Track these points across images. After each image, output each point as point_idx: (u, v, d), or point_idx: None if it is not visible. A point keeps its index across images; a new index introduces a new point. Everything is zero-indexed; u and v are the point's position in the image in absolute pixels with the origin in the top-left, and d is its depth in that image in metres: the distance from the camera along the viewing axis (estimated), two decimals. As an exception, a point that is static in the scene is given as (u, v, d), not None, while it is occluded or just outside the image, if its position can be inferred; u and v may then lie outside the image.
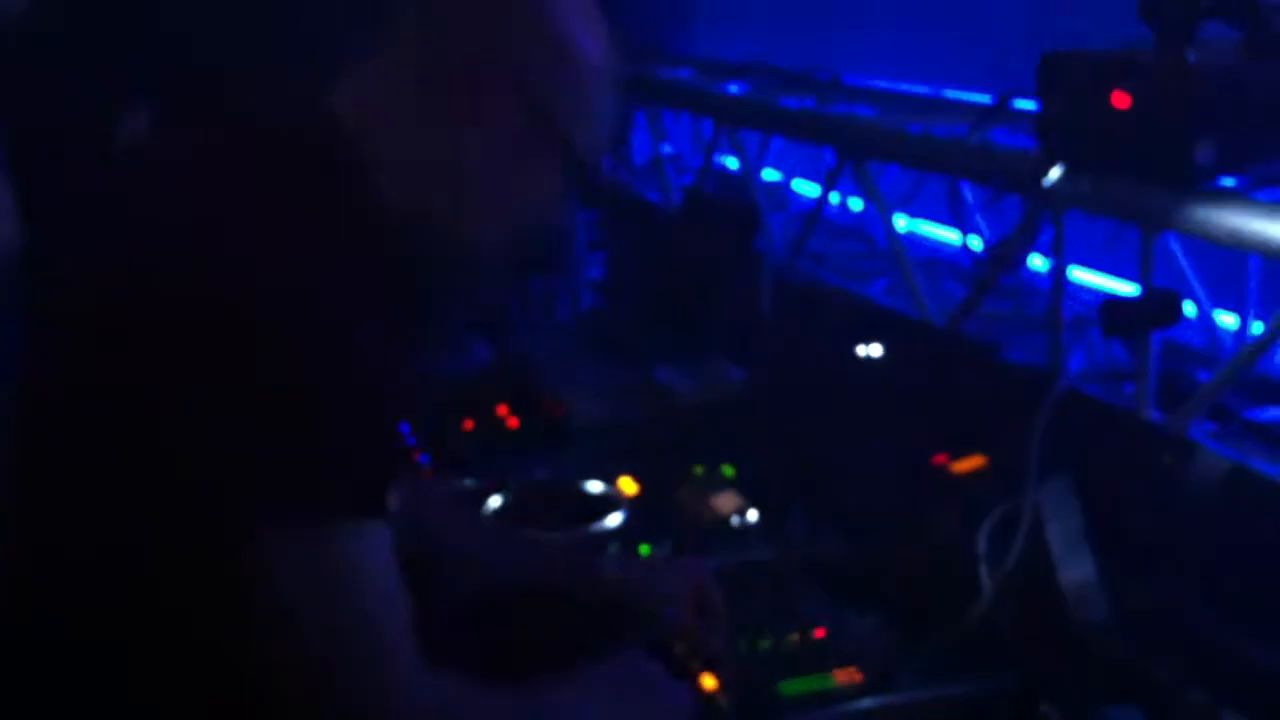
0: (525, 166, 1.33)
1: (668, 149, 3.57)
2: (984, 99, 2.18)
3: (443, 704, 1.24)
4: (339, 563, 1.15)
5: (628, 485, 2.16)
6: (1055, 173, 1.74)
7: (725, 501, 2.09)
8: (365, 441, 1.17)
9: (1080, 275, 2.28)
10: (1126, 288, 2.21)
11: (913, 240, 2.77)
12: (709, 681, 1.61)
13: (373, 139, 1.29)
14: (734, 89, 3.07)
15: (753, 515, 2.03)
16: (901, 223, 2.59)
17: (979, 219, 2.57)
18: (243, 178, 1.22)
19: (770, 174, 3.33)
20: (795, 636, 1.70)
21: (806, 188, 3.40)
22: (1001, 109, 2.08)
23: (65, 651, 1.19)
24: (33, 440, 1.23)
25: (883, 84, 2.67)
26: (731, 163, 3.25)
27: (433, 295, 1.43)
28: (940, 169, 2.31)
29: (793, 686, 1.59)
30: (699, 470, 2.22)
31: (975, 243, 2.54)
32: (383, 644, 1.18)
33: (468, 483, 2.17)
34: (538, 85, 1.30)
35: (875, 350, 2.23)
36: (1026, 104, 1.98)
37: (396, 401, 1.23)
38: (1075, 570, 1.67)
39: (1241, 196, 1.55)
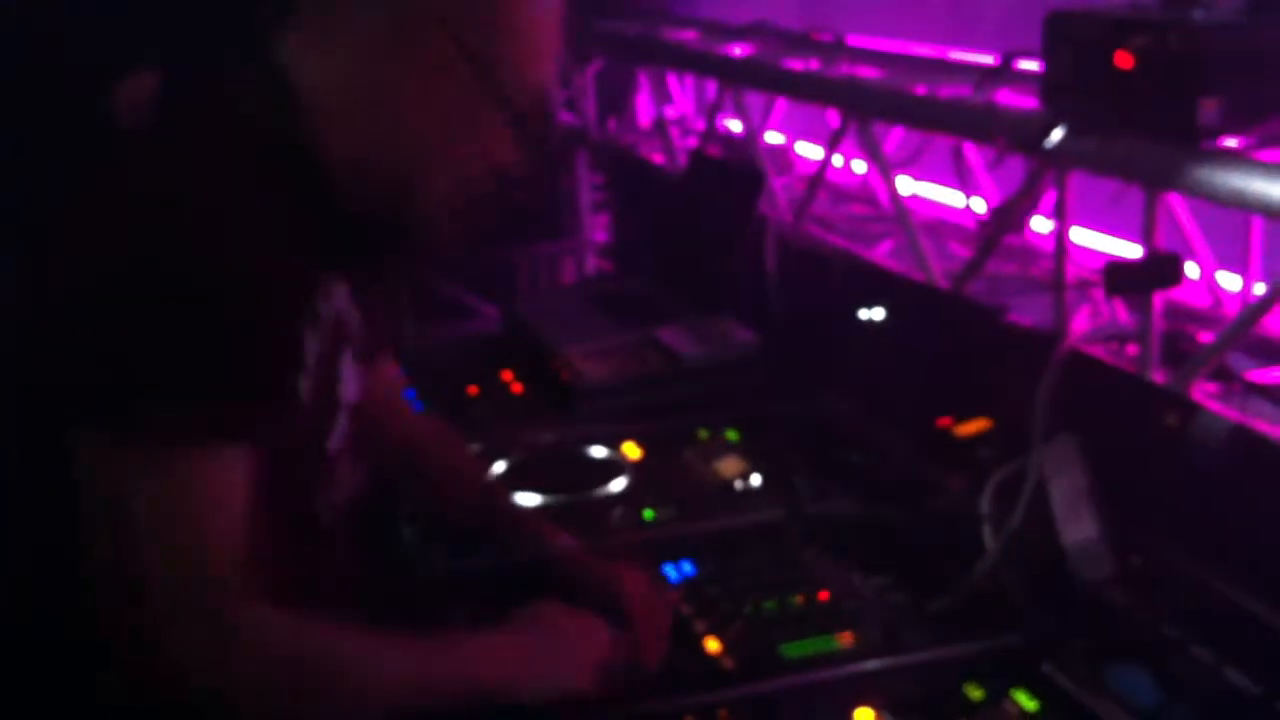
0: (467, 117, 1.31)
1: (672, 112, 3.56)
2: (988, 59, 2.17)
3: (297, 653, 1.22)
4: (183, 481, 1.15)
5: (631, 450, 2.16)
6: (1058, 133, 1.73)
7: (729, 465, 2.10)
8: (229, 360, 1.16)
9: (1083, 237, 2.27)
10: (1130, 249, 2.20)
11: (917, 203, 2.76)
12: (712, 644, 1.61)
13: (314, 92, 1.28)
14: (737, 51, 3.06)
15: (756, 479, 2.04)
16: (905, 185, 2.58)
17: (983, 181, 2.56)
18: (180, 132, 1.25)
19: (774, 137, 3.32)
20: (799, 599, 1.70)
21: (811, 150, 3.39)
22: (1005, 69, 2.07)
23: None
24: None
25: (886, 45, 2.66)
26: (735, 125, 3.25)
27: (385, 250, 1.44)
28: (944, 130, 2.30)
29: (796, 648, 1.60)
30: (703, 434, 2.22)
31: (979, 205, 2.53)
32: (216, 572, 1.16)
33: (473, 448, 2.17)
34: (475, 33, 1.28)
35: (879, 313, 2.23)
36: (1031, 64, 1.97)
37: (277, 330, 1.22)
38: (1079, 530, 1.67)
39: (1245, 157, 1.55)
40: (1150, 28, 1.58)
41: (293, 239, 1.23)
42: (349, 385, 1.41)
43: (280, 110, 1.27)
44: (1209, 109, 1.54)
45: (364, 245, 1.38)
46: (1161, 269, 1.71)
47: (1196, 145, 1.58)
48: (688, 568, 1.80)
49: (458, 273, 3.23)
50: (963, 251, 2.46)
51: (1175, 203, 1.97)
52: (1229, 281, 2.06)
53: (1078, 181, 1.92)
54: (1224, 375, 1.78)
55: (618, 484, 2.02)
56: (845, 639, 1.62)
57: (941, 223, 2.68)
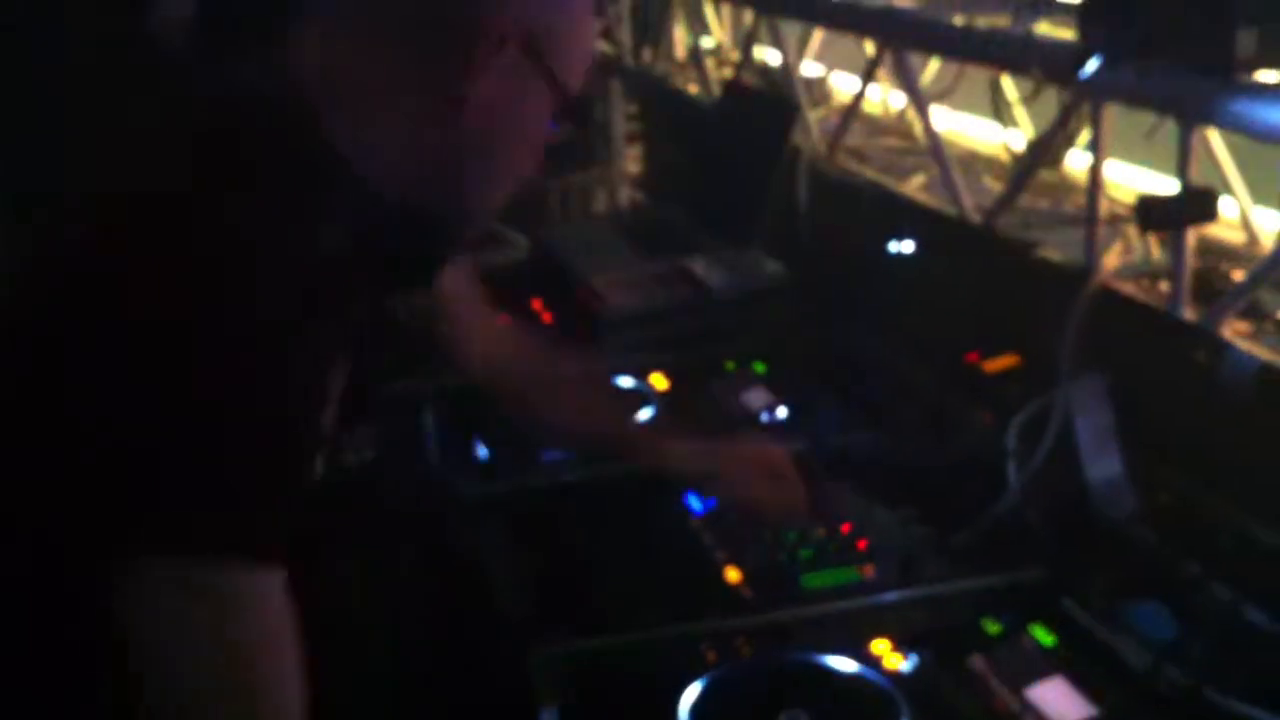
0: (521, 113, 1.15)
1: (707, 42, 3.53)
2: (1026, -10, 2.13)
3: None
4: (218, 608, 0.97)
5: (659, 381, 2.16)
6: (1093, 64, 1.70)
7: (756, 397, 2.09)
8: (270, 471, 0.99)
9: (1119, 171, 2.24)
10: (1165, 185, 2.18)
11: (952, 136, 2.73)
12: (733, 574, 1.62)
13: (338, 103, 1.10)
14: (774, -20, 3.02)
15: (782, 412, 2.03)
16: (941, 118, 2.55)
17: (1018, 114, 2.53)
18: (184, 155, 1.06)
19: (811, 68, 3.28)
20: (821, 530, 1.71)
21: (848, 83, 3.35)
22: (1044, 0, 2.04)
23: None
24: None
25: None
26: (772, 57, 3.21)
27: (424, 254, 1.26)
28: (980, 61, 2.27)
29: (816, 579, 1.61)
30: (730, 366, 2.22)
31: (1016, 138, 2.50)
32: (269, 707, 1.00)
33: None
34: (522, 15, 1.11)
35: (909, 246, 2.21)
36: (1069, -4, 1.94)
37: (310, 432, 1.04)
38: (1103, 467, 1.67)
39: (1283, 90, 1.52)
40: (1189, -42, 1.55)
41: (331, 308, 1.07)
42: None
43: (295, 123, 1.09)
44: (1246, 41, 1.51)
45: (404, 256, 1.22)
46: (1196, 205, 1.68)
47: (1233, 78, 1.55)
48: (710, 498, 1.80)
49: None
50: (997, 186, 2.44)
51: (1212, 137, 1.94)
52: (1265, 219, 2.03)
53: (1114, 116, 1.89)
54: (1255, 314, 1.76)
55: (644, 414, 2.02)
56: (865, 571, 1.62)
57: (976, 156, 2.65)
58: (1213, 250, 1.98)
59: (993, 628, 1.48)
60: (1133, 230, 1.98)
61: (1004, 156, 2.55)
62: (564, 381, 1.76)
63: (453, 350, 1.66)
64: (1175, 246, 1.74)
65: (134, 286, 0.97)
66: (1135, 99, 1.73)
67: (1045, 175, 2.36)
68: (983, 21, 2.20)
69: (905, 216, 2.27)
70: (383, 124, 1.11)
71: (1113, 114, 1.83)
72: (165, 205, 1.01)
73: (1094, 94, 1.82)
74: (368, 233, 1.12)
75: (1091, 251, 1.88)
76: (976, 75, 2.51)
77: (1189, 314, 1.73)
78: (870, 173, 2.61)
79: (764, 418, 2.03)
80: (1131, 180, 2.25)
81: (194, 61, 1.14)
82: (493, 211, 1.23)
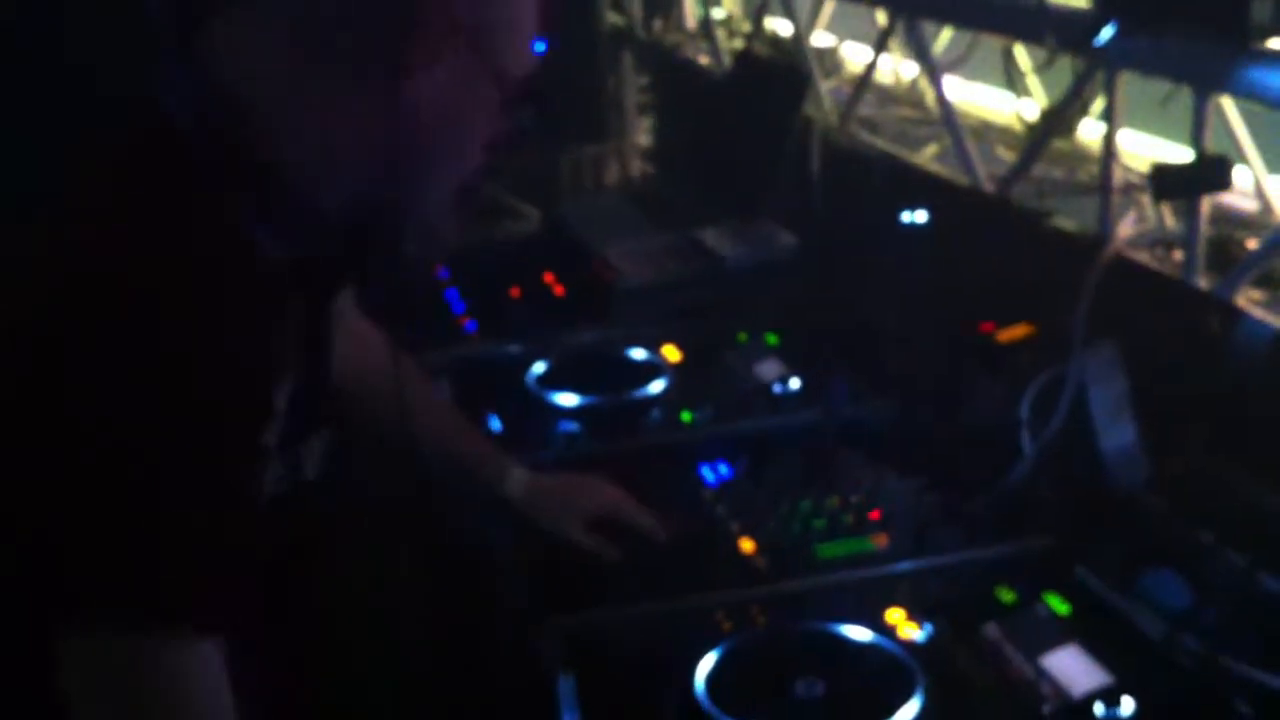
0: (464, 109, 1.10)
1: (719, 12, 3.51)
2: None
3: None
4: (154, 684, 0.94)
5: (671, 353, 2.16)
6: (1107, 32, 1.69)
7: (769, 369, 2.10)
8: (207, 539, 0.95)
9: (1133, 140, 2.23)
10: (1179, 154, 2.17)
11: (965, 106, 2.72)
12: (747, 544, 1.63)
13: (266, 105, 1.04)
14: (786, -51, 3.00)
15: (795, 383, 2.03)
16: (954, 88, 2.54)
17: (1032, 83, 2.52)
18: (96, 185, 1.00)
19: (822, 38, 3.27)
20: (835, 501, 1.71)
21: (860, 53, 3.34)
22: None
23: None
24: None
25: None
26: (783, 27, 3.20)
27: (370, 263, 1.21)
28: (992, 29, 2.26)
29: (830, 549, 1.61)
30: (743, 337, 2.22)
31: (1029, 108, 2.49)
32: None
33: (513, 349, 2.18)
34: (458, 6, 1.06)
35: (922, 216, 2.21)
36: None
37: (249, 500, 1.01)
38: (1117, 436, 1.66)
39: (1298, 57, 1.51)
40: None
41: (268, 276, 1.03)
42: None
43: (222, 125, 1.03)
44: (1262, 8, 1.50)
45: (345, 259, 1.17)
46: (1210, 173, 1.67)
47: (1248, 45, 1.54)
48: (724, 469, 1.80)
49: (500, 174, 3.22)
50: (1010, 156, 2.43)
51: (1226, 106, 1.93)
52: (1280, 187, 2.02)
53: (1127, 84, 1.88)
54: (1271, 282, 1.76)
55: (657, 386, 2.03)
56: (879, 540, 1.63)
57: (989, 126, 2.64)
58: (1227, 219, 1.98)
59: (1007, 596, 1.49)
60: (1147, 199, 1.98)
61: (1017, 126, 2.54)
62: (426, 398, 1.71)
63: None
64: (1189, 215, 1.74)
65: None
66: (1149, 67, 1.73)
67: (1059, 144, 2.35)
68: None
69: (918, 187, 2.26)
70: (315, 125, 1.05)
71: (1126, 82, 1.83)
72: (79, 216, 0.98)
73: (1108, 62, 1.81)
74: (304, 237, 1.07)
75: (1105, 220, 1.87)
76: (989, 44, 2.50)
77: (1203, 283, 1.73)
78: (883, 143, 2.60)
79: (777, 389, 2.03)
80: (1146, 149, 2.24)
81: (114, 64, 1.08)
82: (440, 209, 1.16)
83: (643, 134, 3.67)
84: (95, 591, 0.92)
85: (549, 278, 2.55)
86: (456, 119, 1.10)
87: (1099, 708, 1.30)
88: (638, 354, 2.14)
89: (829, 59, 3.22)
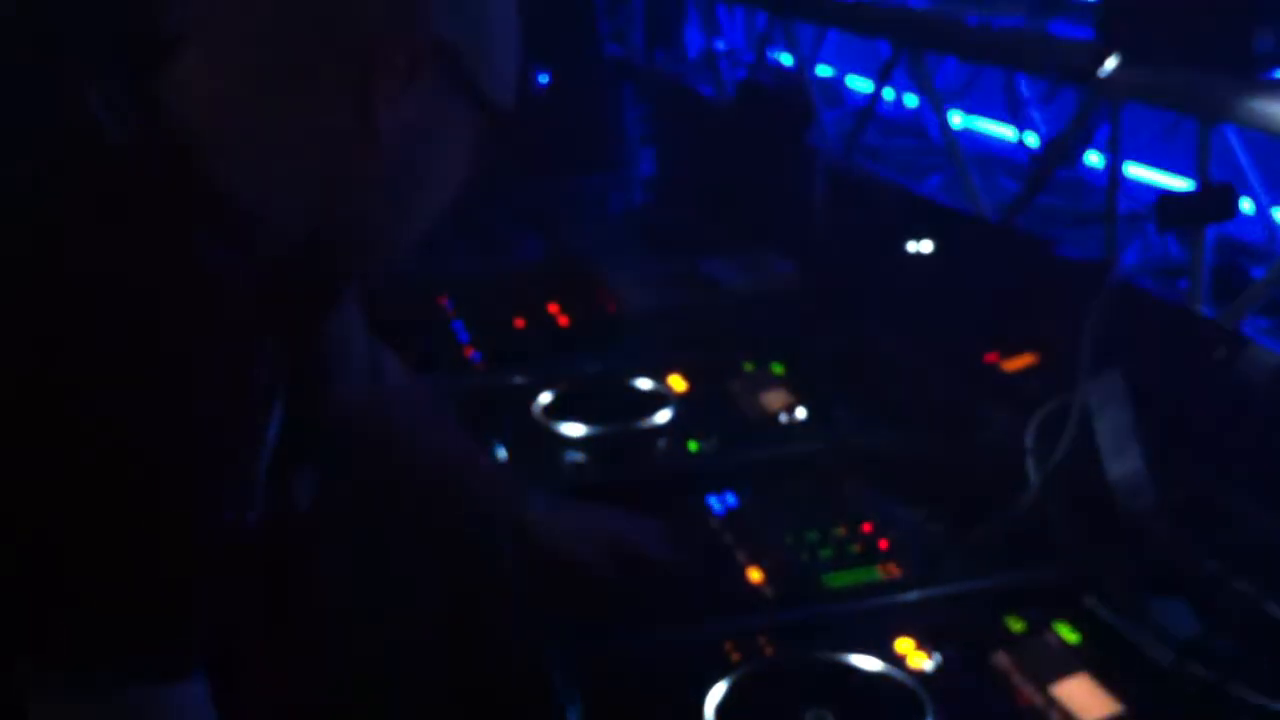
0: (442, 137, 1.05)
1: (721, 44, 3.53)
2: (1042, -11, 2.14)
3: None
4: None
5: (677, 382, 2.17)
6: (1111, 62, 1.70)
7: (775, 398, 2.10)
8: (178, 588, 0.92)
9: (1136, 170, 2.24)
10: (1183, 183, 2.18)
11: (968, 136, 2.74)
12: (754, 574, 1.62)
13: (224, 136, 0.99)
14: (788, -19, 3.02)
15: (801, 413, 2.03)
16: (957, 119, 2.56)
17: (1035, 114, 2.53)
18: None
19: (824, 70, 3.28)
20: (842, 530, 1.71)
21: (861, 84, 3.35)
22: (1059, -1, 2.05)
23: None
24: None
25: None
26: (786, 59, 3.21)
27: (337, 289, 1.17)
28: (995, 60, 2.27)
29: (838, 579, 1.61)
30: (749, 367, 2.22)
31: (1031, 138, 2.50)
32: None
33: (518, 379, 2.19)
34: (430, 32, 1.01)
35: (927, 245, 2.21)
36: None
37: (218, 536, 0.96)
38: (1123, 464, 1.66)
39: (1301, 87, 1.52)
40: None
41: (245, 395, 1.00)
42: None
43: (179, 156, 0.98)
44: (1264, 38, 1.51)
45: (298, 295, 1.12)
46: (1214, 202, 1.68)
47: (1252, 75, 1.55)
48: (731, 499, 1.80)
49: (504, 205, 3.23)
50: (1013, 186, 2.44)
51: (1230, 135, 1.94)
52: (1284, 216, 2.03)
53: (1131, 115, 1.89)
54: (1276, 310, 1.76)
55: (663, 415, 2.03)
56: (887, 570, 1.63)
57: (993, 157, 2.65)
58: (1231, 247, 1.98)
59: (1016, 625, 1.48)
60: (1151, 228, 1.98)
61: (1019, 156, 2.55)
62: (430, 424, 1.70)
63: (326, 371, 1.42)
64: (1194, 244, 1.74)
65: None
66: (1153, 97, 1.74)
67: (1063, 174, 2.36)
68: (999, 19, 2.20)
69: (923, 216, 2.27)
70: (279, 157, 1.00)
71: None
72: (30, 250, 0.92)
73: (1111, 93, 1.82)
74: (270, 269, 1.03)
75: (1110, 249, 1.88)
76: (994, 73, 2.52)
77: (1209, 311, 1.73)
78: (888, 172, 2.61)
79: (783, 418, 2.03)
80: (1149, 179, 2.25)
81: (67, 93, 1.00)
82: (415, 238, 1.11)
83: (646, 163, 3.68)
84: (72, 643, 0.89)
85: (553, 308, 2.56)
86: (431, 147, 1.05)
87: (1109, 737, 1.30)
88: (644, 384, 2.15)
89: (831, 90, 3.24)
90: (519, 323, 2.49)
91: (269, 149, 1.00)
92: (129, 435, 0.88)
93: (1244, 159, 1.99)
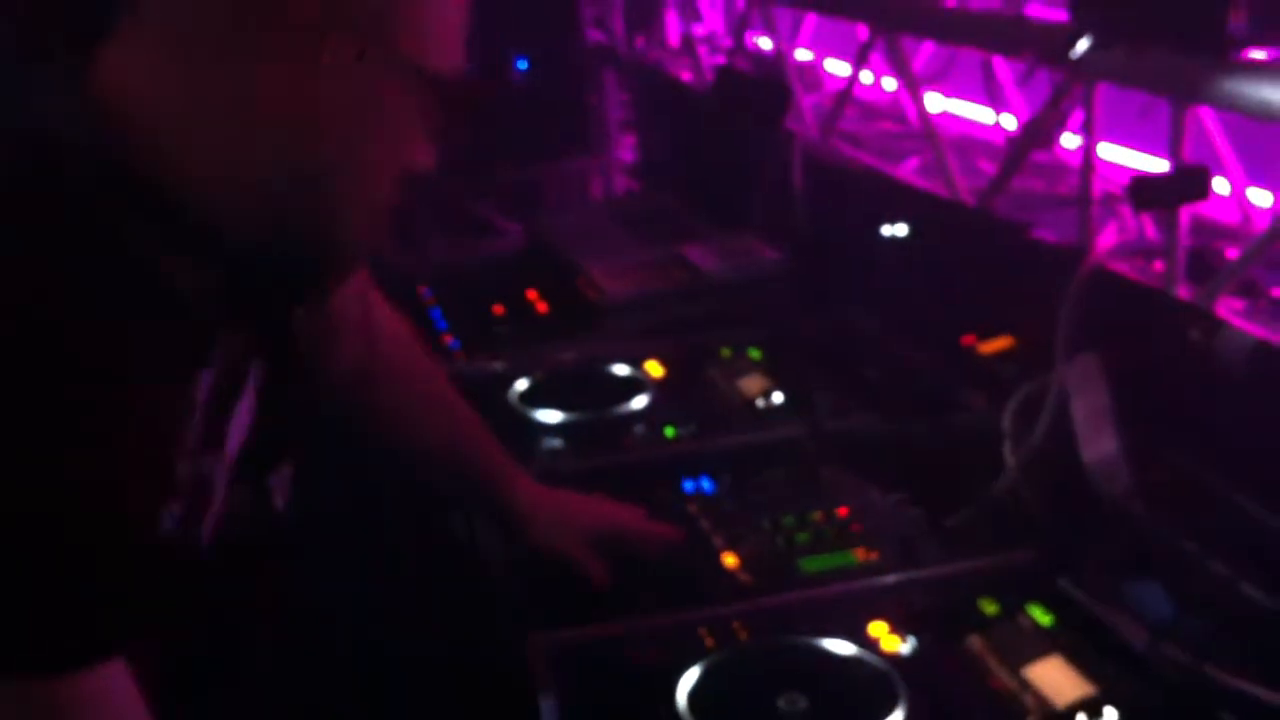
0: (380, 115, 1.01)
1: (700, 29, 3.52)
2: (1017, -29, 2.13)
3: None
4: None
5: (654, 368, 2.16)
6: (1084, 44, 1.70)
7: (752, 383, 2.09)
8: (94, 574, 0.89)
9: (1112, 153, 2.24)
10: (1160, 165, 2.17)
11: (946, 119, 2.73)
12: (730, 559, 1.62)
13: (157, 125, 0.96)
14: (766, -35, 3.01)
15: (778, 397, 2.03)
16: (934, 102, 2.55)
17: (1012, 97, 2.53)
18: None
19: (803, 54, 3.28)
20: (818, 514, 1.71)
21: (840, 68, 3.35)
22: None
23: None
24: None
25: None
26: (765, 43, 3.21)
27: (291, 288, 1.12)
28: (971, 43, 2.27)
29: (814, 563, 1.61)
30: (726, 352, 2.22)
31: (1009, 121, 2.50)
32: None
33: (496, 366, 2.18)
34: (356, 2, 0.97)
35: (903, 229, 2.21)
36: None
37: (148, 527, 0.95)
38: (1099, 447, 1.67)
39: (1274, 68, 1.52)
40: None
41: (160, 309, 0.97)
42: (233, 439, 1.12)
43: (111, 147, 0.95)
44: (1238, 19, 1.51)
45: (263, 293, 1.09)
46: (1188, 183, 1.68)
47: (1225, 56, 1.55)
48: (707, 484, 1.80)
49: (484, 191, 3.22)
50: (991, 169, 2.43)
51: (1205, 116, 1.93)
52: (1260, 198, 2.03)
53: (1106, 96, 1.89)
54: (1251, 291, 1.76)
55: (640, 401, 2.02)
56: (862, 554, 1.63)
57: (970, 139, 2.65)
58: (1206, 229, 1.98)
59: (990, 608, 1.48)
60: (1126, 210, 1.98)
61: (997, 139, 2.55)
62: (440, 401, 1.65)
63: (325, 344, 1.38)
64: (1169, 225, 1.74)
65: None
66: (1127, 78, 1.73)
67: (1040, 157, 2.36)
68: (976, 2, 2.19)
69: (900, 200, 2.27)
70: (213, 145, 0.97)
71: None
72: None
73: (1085, 74, 1.82)
74: (209, 264, 1.01)
75: (1085, 232, 1.88)
76: (971, 56, 2.51)
77: (1184, 292, 1.73)
78: (865, 157, 2.61)
79: (760, 403, 2.03)
80: (1125, 160, 2.25)
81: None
82: (365, 224, 1.06)
83: (626, 149, 3.68)
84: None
85: (532, 294, 2.55)
86: (368, 126, 1.01)
87: (1082, 718, 1.30)
88: (621, 370, 2.14)
89: (810, 74, 3.23)
90: (497, 309, 2.49)
91: (206, 130, 0.97)
92: (23, 425, 0.86)
93: (1219, 140, 1.99)
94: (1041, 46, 1.85)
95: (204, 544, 1.08)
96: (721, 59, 3.27)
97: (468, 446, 1.66)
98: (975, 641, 1.42)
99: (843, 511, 1.71)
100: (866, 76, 2.89)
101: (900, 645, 1.43)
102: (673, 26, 3.66)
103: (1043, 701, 1.33)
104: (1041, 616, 1.46)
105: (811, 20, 3.09)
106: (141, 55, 0.96)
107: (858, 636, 1.44)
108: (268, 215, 1.00)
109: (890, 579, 1.57)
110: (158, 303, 0.96)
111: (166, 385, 0.96)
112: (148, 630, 0.94)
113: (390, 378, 1.57)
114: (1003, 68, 2.47)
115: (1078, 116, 2.00)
